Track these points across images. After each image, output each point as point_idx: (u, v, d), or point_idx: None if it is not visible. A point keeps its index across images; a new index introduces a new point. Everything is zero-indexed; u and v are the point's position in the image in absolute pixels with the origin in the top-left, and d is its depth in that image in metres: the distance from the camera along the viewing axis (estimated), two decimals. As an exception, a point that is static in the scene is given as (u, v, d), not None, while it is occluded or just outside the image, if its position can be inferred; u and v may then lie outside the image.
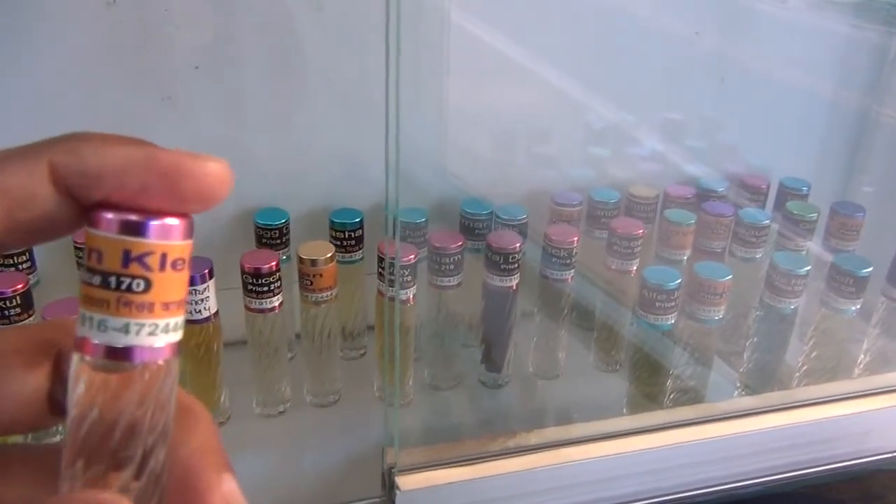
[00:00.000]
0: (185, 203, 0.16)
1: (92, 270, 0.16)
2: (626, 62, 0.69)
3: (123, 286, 0.15)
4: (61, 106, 0.56)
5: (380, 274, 0.58)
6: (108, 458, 0.16)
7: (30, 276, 0.54)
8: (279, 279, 0.55)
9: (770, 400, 0.62)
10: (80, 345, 0.16)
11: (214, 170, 0.16)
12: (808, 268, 0.61)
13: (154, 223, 0.16)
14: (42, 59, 0.55)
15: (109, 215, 0.16)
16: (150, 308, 0.16)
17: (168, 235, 0.16)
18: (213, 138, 0.60)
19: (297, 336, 0.64)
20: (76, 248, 0.57)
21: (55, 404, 0.18)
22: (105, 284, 0.15)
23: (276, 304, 0.56)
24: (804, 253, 0.69)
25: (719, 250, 0.69)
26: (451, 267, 0.60)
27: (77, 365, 0.16)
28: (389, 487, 0.51)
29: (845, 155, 0.82)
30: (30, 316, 0.50)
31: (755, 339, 0.65)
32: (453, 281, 0.60)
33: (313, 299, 0.57)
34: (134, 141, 0.16)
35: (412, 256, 0.58)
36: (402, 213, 0.63)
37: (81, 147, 0.16)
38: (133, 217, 0.16)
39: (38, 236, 0.17)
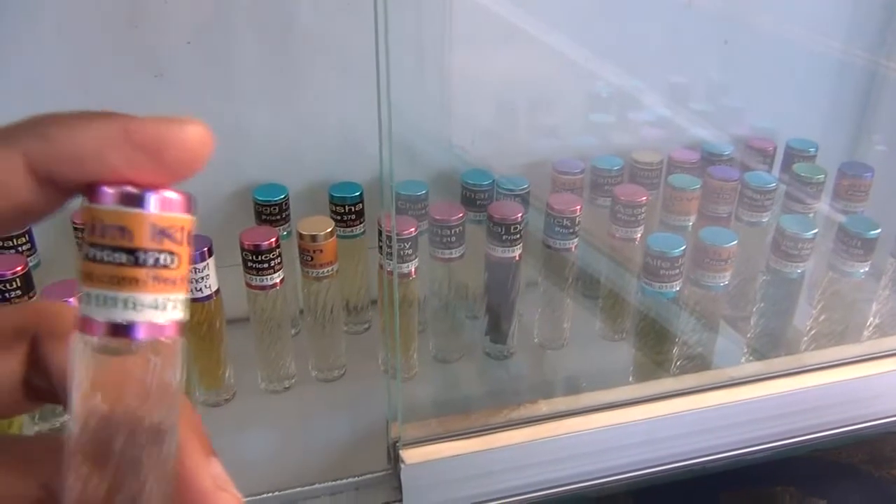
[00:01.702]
0: (172, 174, 0.16)
1: (115, 248, 0.15)
2: (626, 27, 0.68)
3: (158, 262, 0.15)
4: (51, 83, 0.56)
5: (381, 248, 0.58)
6: (127, 458, 0.16)
7: (29, 258, 0.54)
8: (279, 255, 0.55)
9: (778, 365, 0.61)
10: (97, 328, 0.15)
11: (194, 134, 0.16)
12: (815, 231, 0.60)
13: (182, 196, 0.15)
14: (31, 35, 0.54)
15: (132, 191, 0.15)
16: (175, 282, 0.16)
17: (188, 208, 0.16)
18: (208, 115, 0.57)
19: (302, 311, 0.64)
20: (75, 229, 0.57)
21: (31, 390, 0.18)
22: (136, 261, 0.15)
23: (277, 280, 0.56)
24: (811, 216, 0.68)
25: (725, 215, 0.68)
26: (453, 239, 0.59)
27: (89, 352, 0.15)
28: (394, 461, 0.51)
29: (854, 114, 0.80)
30: (30, 297, 0.50)
31: (762, 304, 0.64)
32: (455, 253, 0.60)
33: (314, 275, 0.57)
34: (104, 115, 0.16)
35: (412, 229, 0.57)
36: (402, 185, 0.62)
37: (52, 132, 0.15)
38: (164, 192, 0.15)
39: (16, 224, 0.16)
